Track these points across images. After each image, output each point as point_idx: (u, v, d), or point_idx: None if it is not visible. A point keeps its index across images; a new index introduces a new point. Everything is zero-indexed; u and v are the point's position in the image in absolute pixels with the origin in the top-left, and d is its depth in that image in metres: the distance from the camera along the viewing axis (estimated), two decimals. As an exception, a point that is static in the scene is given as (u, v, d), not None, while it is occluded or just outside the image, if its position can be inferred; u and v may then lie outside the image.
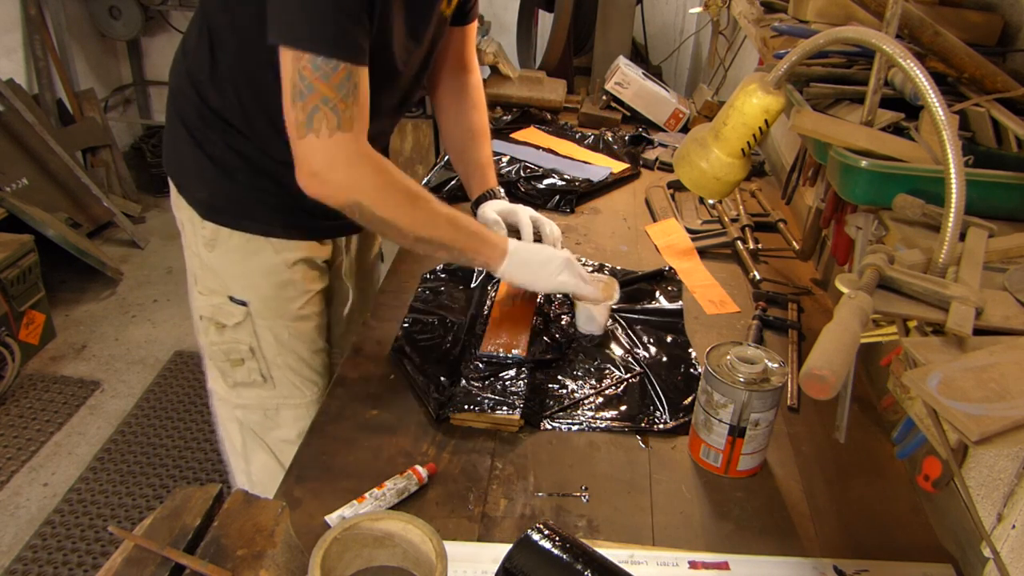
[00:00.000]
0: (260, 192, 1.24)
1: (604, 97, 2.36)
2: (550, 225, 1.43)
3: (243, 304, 1.33)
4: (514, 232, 1.41)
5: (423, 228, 1.15)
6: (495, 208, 1.45)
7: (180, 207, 1.33)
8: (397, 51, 1.17)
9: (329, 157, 1.06)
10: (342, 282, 1.54)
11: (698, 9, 2.60)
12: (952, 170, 0.71)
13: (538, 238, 1.42)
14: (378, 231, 1.16)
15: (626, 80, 2.30)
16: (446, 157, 1.92)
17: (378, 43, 1.10)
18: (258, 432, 1.45)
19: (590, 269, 1.51)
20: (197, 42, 1.20)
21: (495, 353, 1.20)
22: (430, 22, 1.23)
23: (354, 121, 1.06)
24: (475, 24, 1.48)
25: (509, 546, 0.78)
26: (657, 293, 1.44)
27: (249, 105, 1.19)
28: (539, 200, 1.77)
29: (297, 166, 1.07)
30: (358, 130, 1.07)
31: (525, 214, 1.43)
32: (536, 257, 1.25)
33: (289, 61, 1.01)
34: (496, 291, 1.38)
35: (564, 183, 1.82)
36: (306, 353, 1.41)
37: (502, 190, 1.52)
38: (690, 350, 1.28)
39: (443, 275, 1.46)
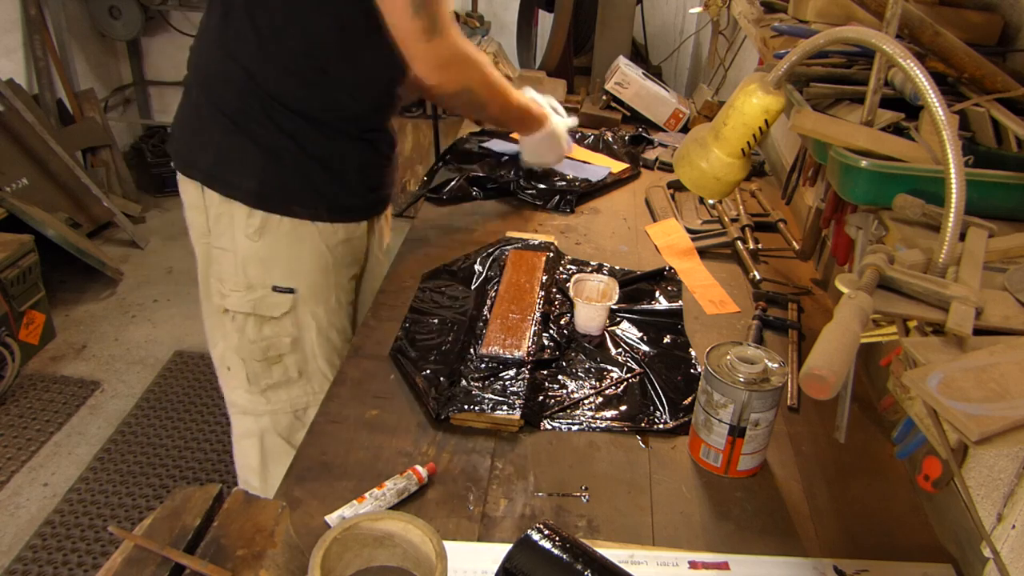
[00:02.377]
0: (307, 175, 1.28)
1: (604, 97, 2.36)
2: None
3: (290, 291, 1.34)
4: None
5: (505, 105, 1.44)
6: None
7: (210, 205, 1.32)
8: None
9: (451, 51, 1.22)
10: (375, 260, 1.56)
11: (698, 9, 2.60)
12: (952, 170, 0.71)
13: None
14: (465, 112, 1.51)
15: (626, 80, 2.30)
16: (446, 157, 1.92)
17: None
18: (285, 437, 1.43)
19: (589, 269, 1.51)
20: (236, 21, 1.21)
21: (495, 353, 1.20)
22: None
23: (447, 22, 1.19)
24: None
25: (509, 546, 0.78)
26: (657, 293, 1.44)
27: (303, 63, 1.22)
28: (539, 200, 1.77)
29: (422, 66, 1.21)
30: (453, 28, 1.21)
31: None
32: (558, 132, 1.65)
33: None
34: (496, 291, 1.38)
35: (564, 183, 1.82)
36: (339, 342, 1.43)
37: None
38: (690, 350, 1.28)
39: (443, 275, 1.46)
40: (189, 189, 1.34)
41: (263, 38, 1.20)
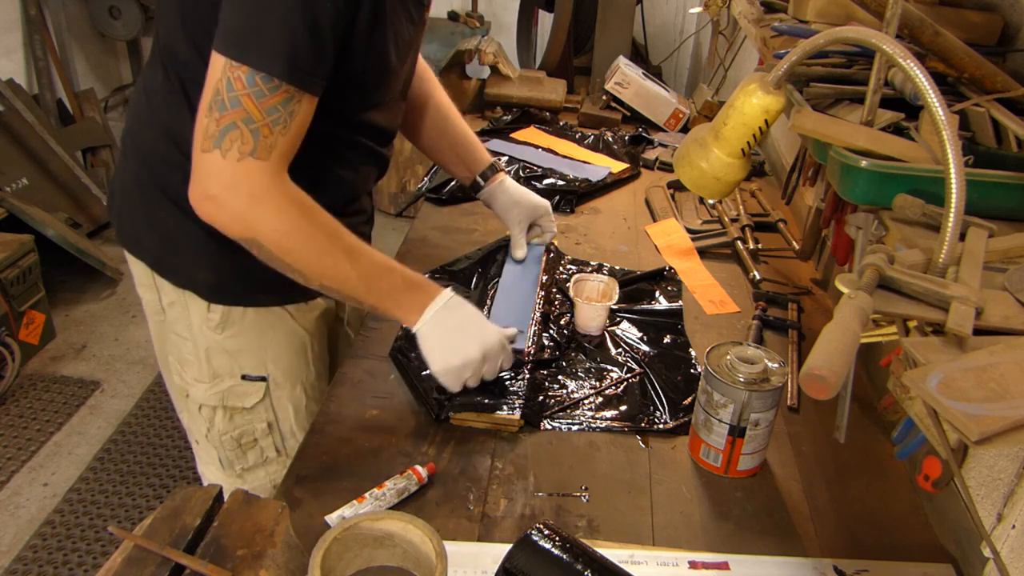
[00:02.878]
0: None
1: (604, 97, 2.36)
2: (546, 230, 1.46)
3: (261, 379, 1.21)
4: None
5: (331, 280, 1.01)
6: (514, 196, 1.42)
7: (162, 290, 1.17)
8: (394, 57, 1.06)
9: (230, 183, 0.92)
10: (344, 330, 1.47)
11: (698, 9, 2.60)
12: (952, 170, 0.71)
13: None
14: (277, 269, 0.99)
15: (626, 80, 2.30)
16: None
17: (379, 52, 1.01)
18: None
19: (589, 269, 1.51)
20: (167, 94, 1.04)
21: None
22: (423, 21, 1.14)
23: (273, 150, 0.92)
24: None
25: (509, 546, 0.78)
26: (657, 293, 1.44)
27: None
28: (539, 200, 1.77)
29: (192, 181, 0.94)
30: (275, 160, 0.93)
31: (518, 226, 1.42)
32: (455, 320, 1.07)
33: (220, 66, 0.88)
34: (496, 291, 1.38)
35: (564, 183, 1.82)
36: (316, 409, 1.26)
37: (499, 161, 1.46)
38: (690, 350, 1.28)
39: (443, 275, 1.46)
40: (137, 266, 1.18)
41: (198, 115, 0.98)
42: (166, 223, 1.10)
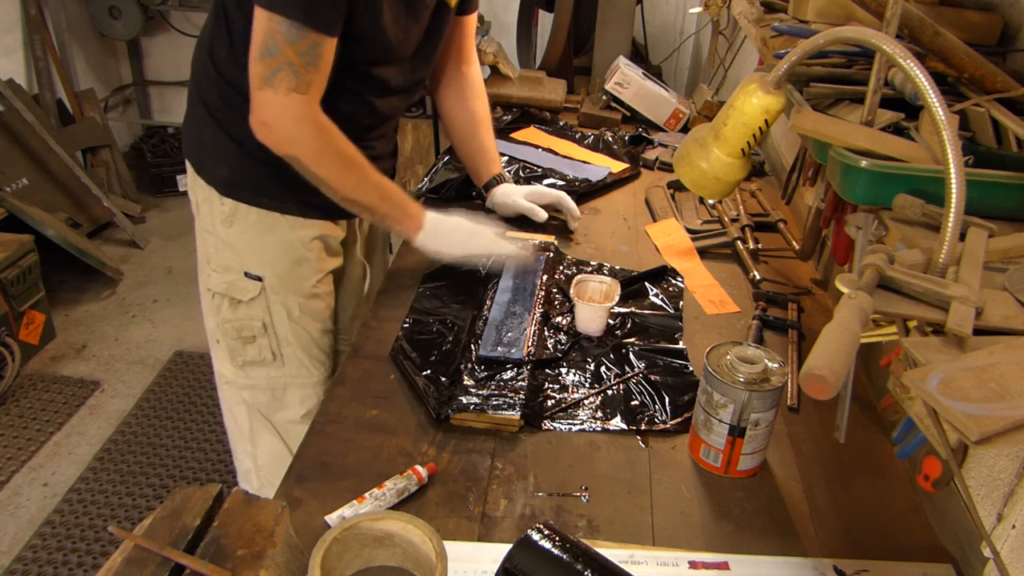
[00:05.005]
0: (276, 169, 1.27)
1: (604, 97, 2.36)
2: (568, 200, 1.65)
3: (258, 279, 1.39)
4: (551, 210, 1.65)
5: (352, 191, 1.28)
6: (522, 193, 1.63)
7: (198, 188, 1.39)
8: (391, 30, 1.25)
9: (281, 112, 1.18)
10: (356, 263, 1.59)
11: (698, 9, 2.60)
12: (952, 170, 0.71)
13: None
14: (313, 183, 1.25)
15: (626, 80, 2.30)
16: (446, 157, 1.92)
17: (367, 19, 1.20)
18: (265, 413, 1.48)
19: (589, 269, 1.51)
20: (215, 23, 1.29)
21: (495, 353, 1.20)
22: (429, 4, 1.32)
23: (311, 86, 1.17)
24: (474, 16, 1.55)
25: (509, 546, 0.78)
26: (657, 293, 1.44)
27: None
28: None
29: (252, 113, 1.19)
30: (313, 94, 1.18)
31: (553, 194, 1.64)
32: (446, 226, 1.39)
33: (263, 20, 1.12)
34: (496, 291, 1.38)
35: (564, 183, 1.82)
36: (315, 332, 1.46)
37: (507, 173, 1.66)
38: (689, 350, 1.28)
39: (443, 275, 1.46)
40: (189, 171, 1.42)
41: (234, 42, 1.25)
42: (204, 130, 1.36)
